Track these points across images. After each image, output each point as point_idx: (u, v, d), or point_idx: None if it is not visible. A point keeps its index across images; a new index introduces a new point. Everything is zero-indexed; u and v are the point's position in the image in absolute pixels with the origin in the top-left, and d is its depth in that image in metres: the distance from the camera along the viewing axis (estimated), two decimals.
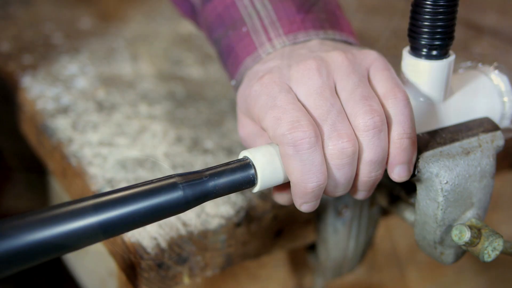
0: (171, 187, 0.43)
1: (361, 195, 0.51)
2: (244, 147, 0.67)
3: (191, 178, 0.44)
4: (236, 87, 0.57)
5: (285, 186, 0.51)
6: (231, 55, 0.57)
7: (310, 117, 0.46)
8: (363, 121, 0.46)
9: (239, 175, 0.46)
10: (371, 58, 0.50)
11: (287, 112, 0.46)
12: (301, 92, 0.48)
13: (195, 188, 0.44)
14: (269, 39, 0.54)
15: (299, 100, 0.48)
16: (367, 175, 0.48)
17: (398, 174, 0.49)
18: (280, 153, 0.46)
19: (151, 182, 0.43)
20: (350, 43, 0.56)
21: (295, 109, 0.46)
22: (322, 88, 0.48)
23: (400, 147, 0.48)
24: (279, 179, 0.47)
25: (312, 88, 0.48)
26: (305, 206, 0.48)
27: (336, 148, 0.46)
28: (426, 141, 0.50)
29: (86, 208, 0.40)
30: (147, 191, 0.42)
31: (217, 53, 0.60)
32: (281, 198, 0.52)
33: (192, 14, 0.65)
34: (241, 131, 0.55)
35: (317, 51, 0.51)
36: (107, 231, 0.41)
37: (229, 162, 0.46)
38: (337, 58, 0.49)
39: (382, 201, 0.60)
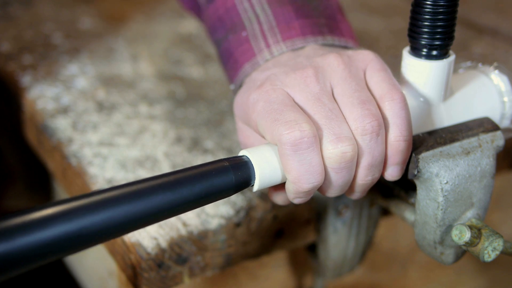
0: (223, 170, 0.45)
1: (355, 196, 0.51)
2: None
3: (236, 161, 0.46)
4: (235, 92, 0.57)
5: (282, 185, 0.51)
6: (230, 59, 0.57)
7: (309, 118, 0.47)
8: (361, 125, 0.46)
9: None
10: (367, 59, 0.50)
11: (284, 113, 0.46)
12: (299, 98, 0.48)
13: (243, 173, 0.46)
14: (268, 46, 0.55)
15: (297, 103, 0.48)
16: (364, 178, 0.48)
17: (391, 174, 0.49)
18: (278, 152, 0.46)
19: (202, 165, 0.45)
20: (349, 48, 0.56)
21: (293, 110, 0.47)
22: (320, 94, 0.48)
23: (396, 149, 0.48)
24: (278, 178, 0.47)
25: (310, 94, 0.48)
26: (297, 200, 0.48)
27: (336, 151, 0.46)
28: (426, 141, 0.50)
29: (145, 190, 0.41)
30: (201, 173, 0.44)
31: (217, 55, 0.61)
32: (278, 198, 0.52)
33: (197, 10, 0.65)
34: (241, 138, 0.55)
35: (313, 57, 0.51)
36: (161, 213, 0.42)
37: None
38: (333, 61, 0.50)
39: (382, 201, 0.60)
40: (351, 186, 0.49)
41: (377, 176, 0.49)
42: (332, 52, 0.51)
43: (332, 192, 0.49)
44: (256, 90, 0.50)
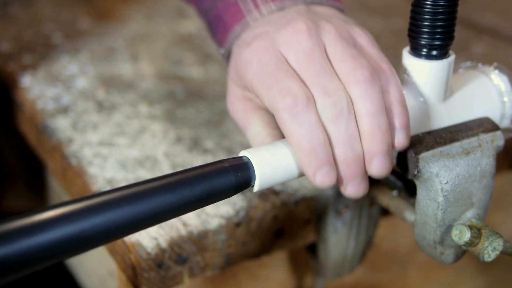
0: (223, 171, 0.45)
1: (376, 165, 0.47)
2: (244, 147, 0.67)
3: (236, 162, 0.46)
4: (226, 56, 0.57)
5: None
6: (220, 24, 0.57)
7: (301, 81, 0.47)
8: (353, 76, 0.47)
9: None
10: (356, 33, 0.51)
11: (278, 79, 0.47)
12: (291, 56, 0.49)
13: (243, 173, 0.46)
14: (256, 6, 0.55)
15: (289, 64, 0.49)
16: (371, 127, 0.47)
17: (398, 141, 0.49)
18: (278, 122, 0.47)
19: (202, 167, 0.45)
20: (337, 8, 0.57)
21: (286, 76, 0.48)
22: (311, 50, 0.49)
23: (398, 110, 0.48)
24: (278, 178, 0.47)
25: (302, 51, 0.49)
26: (318, 176, 0.47)
27: (327, 103, 0.46)
28: (426, 141, 0.50)
29: (146, 191, 0.41)
30: (201, 175, 0.44)
31: (205, 24, 0.61)
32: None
33: None
34: (230, 103, 0.56)
35: (305, 14, 0.52)
36: (161, 215, 0.42)
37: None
38: (325, 25, 0.50)
39: (382, 201, 0.60)
40: (365, 147, 0.47)
41: (383, 125, 0.47)
42: (322, 19, 0.52)
43: (344, 151, 0.47)
44: (248, 47, 0.51)
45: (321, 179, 0.47)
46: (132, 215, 0.40)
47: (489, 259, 0.49)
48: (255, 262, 0.66)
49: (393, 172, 0.58)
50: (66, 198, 0.79)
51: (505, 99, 0.55)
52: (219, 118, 0.74)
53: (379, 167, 0.48)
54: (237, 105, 0.55)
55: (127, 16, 1.01)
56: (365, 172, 0.48)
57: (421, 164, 0.49)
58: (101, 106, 0.75)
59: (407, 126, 0.49)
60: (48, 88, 0.78)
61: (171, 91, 0.80)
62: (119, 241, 0.58)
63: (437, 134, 0.51)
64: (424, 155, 0.49)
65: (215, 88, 0.81)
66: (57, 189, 0.84)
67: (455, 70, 0.56)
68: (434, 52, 0.50)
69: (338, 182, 0.48)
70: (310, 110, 0.46)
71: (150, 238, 0.56)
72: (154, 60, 0.87)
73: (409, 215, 0.56)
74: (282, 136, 0.53)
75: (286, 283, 0.71)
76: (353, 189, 0.48)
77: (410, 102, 0.51)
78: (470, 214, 0.51)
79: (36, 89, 0.78)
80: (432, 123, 0.52)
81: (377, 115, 0.47)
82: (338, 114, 0.46)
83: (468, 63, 0.57)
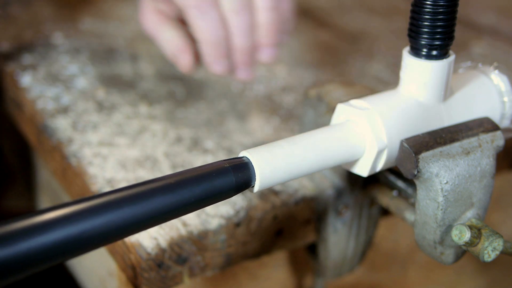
0: (223, 172, 0.45)
1: (270, 54, 0.60)
2: (245, 148, 0.67)
3: (236, 162, 0.46)
4: None
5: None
6: None
7: None
8: None
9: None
10: None
11: None
12: None
13: (243, 174, 0.46)
14: None
15: None
16: (269, 21, 0.57)
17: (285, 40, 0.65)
18: (187, 19, 0.57)
19: (202, 167, 0.45)
20: None
21: None
22: None
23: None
24: (278, 178, 0.47)
25: None
26: (215, 66, 0.59)
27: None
28: (426, 141, 0.50)
29: (146, 192, 0.41)
30: (201, 175, 0.44)
31: None
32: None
33: None
34: (143, 17, 0.65)
35: None
36: (162, 216, 0.42)
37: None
38: None
39: (382, 201, 0.60)
40: (261, 38, 0.58)
41: (277, 21, 0.58)
42: None
43: (243, 40, 0.58)
44: None
45: (217, 68, 0.60)
46: (132, 216, 0.40)
47: (489, 259, 0.49)
48: (255, 262, 0.66)
49: (393, 172, 0.58)
50: (66, 198, 0.79)
51: (505, 99, 0.55)
52: (219, 118, 0.74)
53: (272, 56, 0.61)
54: (149, 17, 0.65)
55: (127, 16, 1.01)
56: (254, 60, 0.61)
57: (421, 164, 0.49)
58: (101, 106, 0.75)
59: (290, 31, 0.63)
60: (48, 88, 0.78)
61: (171, 91, 0.80)
62: (119, 241, 0.58)
63: (437, 134, 0.51)
64: (424, 155, 0.49)
65: (215, 88, 0.81)
66: (56, 188, 0.84)
67: (455, 70, 0.56)
68: (434, 52, 0.50)
69: (234, 68, 0.59)
70: (215, 8, 0.56)
71: (150, 238, 0.56)
72: (154, 60, 0.87)
73: (409, 215, 0.56)
74: (190, 39, 0.63)
75: (286, 283, 0.71)
76: (246, 73, 0.63)
77: (410, 102, 0.51)
78: (470, 214, 0.51)
79: (36, 89, 0.78)
80: (432, 123, 0.52)
81: (275, 10, 0.57)
82: (243, 6, 0.56)
83: (468, 63, 0.58)
